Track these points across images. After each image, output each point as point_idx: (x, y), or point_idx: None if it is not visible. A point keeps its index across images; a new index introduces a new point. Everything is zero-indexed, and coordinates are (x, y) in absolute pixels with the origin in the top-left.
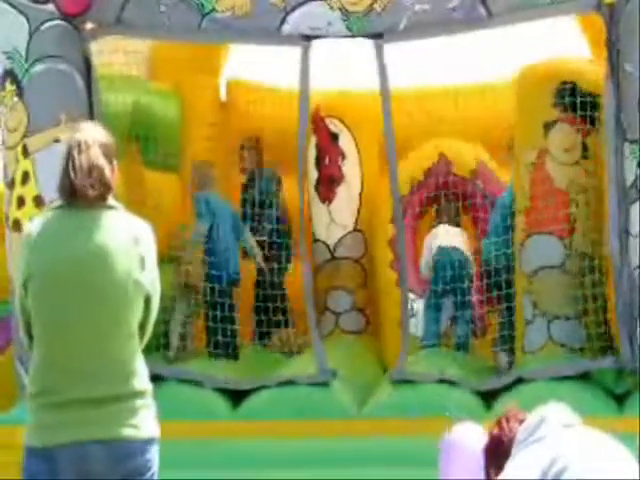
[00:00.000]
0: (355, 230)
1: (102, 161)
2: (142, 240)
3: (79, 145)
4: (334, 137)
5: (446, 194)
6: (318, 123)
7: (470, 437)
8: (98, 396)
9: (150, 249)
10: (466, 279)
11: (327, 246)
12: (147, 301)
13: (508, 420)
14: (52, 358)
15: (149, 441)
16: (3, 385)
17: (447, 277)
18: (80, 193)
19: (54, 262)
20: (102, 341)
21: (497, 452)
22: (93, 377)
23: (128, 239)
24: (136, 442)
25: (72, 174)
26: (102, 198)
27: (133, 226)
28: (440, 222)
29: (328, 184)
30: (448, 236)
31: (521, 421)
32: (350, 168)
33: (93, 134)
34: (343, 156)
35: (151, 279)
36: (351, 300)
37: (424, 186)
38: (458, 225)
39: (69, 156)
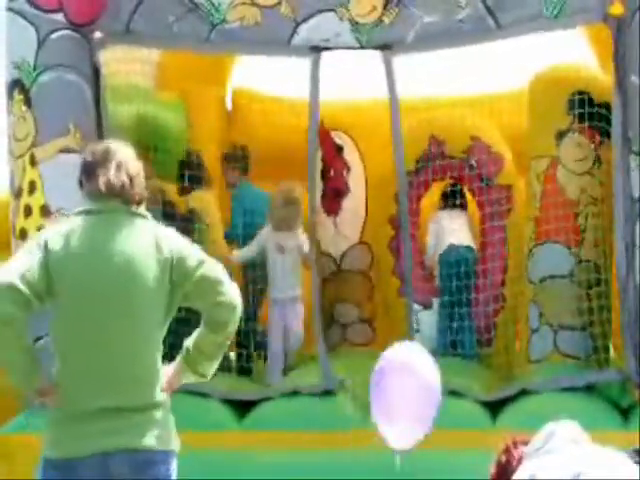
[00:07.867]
0: (361, 242)
1: (142, 174)
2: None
3: (116, 153)
4: (339, 149)
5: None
6: (323, 136)
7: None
8: (122, 406)
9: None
10: (472, 287)
11: (333, 259)
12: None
13: (515, 445)
14: (77, 369)
15: (171, 453)
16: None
17: (454, 286)
18: (119, 190)
19: (82, 273)
20: (128, 352)
21: (506, 476)
22: (118, 387)
23: (156, 248)
24: (158, 452)
25: (112, 172)
26: (139, 202)
27: (162, 235)
28: (444, 206)
29: (333, 197)
30: (452, 230)
31: (526, 443)
32: (355, 180)
33: (124, 147)
34: (348, 168)
35: None
36: (358, 312)
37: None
38: (463, 207)
39: (106, 158)
